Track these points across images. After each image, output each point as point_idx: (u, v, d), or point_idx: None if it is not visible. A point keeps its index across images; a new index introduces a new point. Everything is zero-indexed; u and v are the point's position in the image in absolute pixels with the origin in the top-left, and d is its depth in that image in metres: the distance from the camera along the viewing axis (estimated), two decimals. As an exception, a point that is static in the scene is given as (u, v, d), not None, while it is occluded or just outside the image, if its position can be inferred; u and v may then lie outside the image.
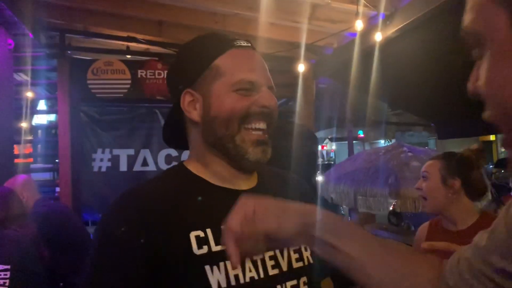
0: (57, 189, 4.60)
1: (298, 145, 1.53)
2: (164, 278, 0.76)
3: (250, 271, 0.81)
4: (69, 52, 4.06)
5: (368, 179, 4.70)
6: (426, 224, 1.88)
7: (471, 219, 1.67)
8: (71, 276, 2.60)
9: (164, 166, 7.16)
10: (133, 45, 4.16)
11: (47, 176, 5.43)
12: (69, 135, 3.91)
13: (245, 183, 0.91)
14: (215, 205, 0.83)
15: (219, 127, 0.84)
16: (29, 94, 3.94)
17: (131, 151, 7.29)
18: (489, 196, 1.83)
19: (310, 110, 4.33)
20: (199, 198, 0.84)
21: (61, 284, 2.61)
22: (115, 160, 7.19)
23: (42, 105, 5.64)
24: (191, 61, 0.89)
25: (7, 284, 1.91)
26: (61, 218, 2.65)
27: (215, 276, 0.76)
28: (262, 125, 0.86)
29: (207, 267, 0.77)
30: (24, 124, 3.90)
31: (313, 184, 1.65)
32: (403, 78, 3.79)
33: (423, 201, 1.77)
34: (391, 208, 4.84)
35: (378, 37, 3.11)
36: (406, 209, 4.53)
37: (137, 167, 7.19)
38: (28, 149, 4.31)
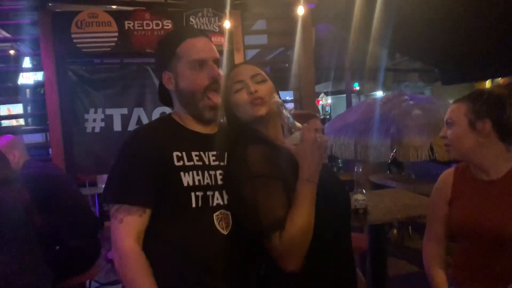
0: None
1: None
2: (158, 178, 1.20)
3: (202, 179, 1.24)
4: (50, 4, 3.78)
5: (369, 130, 4.57)
6: (450, 171, 1.64)
7: (506, 166, 1.47)
8: (67, 239, 2.50)
9: (159, 125, 6.96)
10: (118, -6, 3.88)
11: (39, 138, 5.26)
12: (57, 93, 3.71)
13: (210, 129, 1.35)
14: (188, 139, 1.30)
15: (187, 95, 1.30)
16: (11, 52, 3.71)
17: (125, 110, 7.06)
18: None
19: (310, 60, 4.10)
20: (178, 135, 1.31)
21: (57, 247, 2.51)
22: (108, 120, 6.98)
23: (27, 63, 5.37)
24: (163, 51, 1.33)
25: None
26: (51, 180, 2.50)
27: (185, 178, 1.22)
28: (215, 99, 1.29)
29: (181, 173, 1.22)
30: (10, 84, 3.71)
31: None
32: (408, 21, 3.58)
33: (447, 148, 1.56)
34: (391, 158, 4.70)
35: (383, -25, 2.88)
36: (408, 158, 4.40)
37: (132, 126, 6.98)
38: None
